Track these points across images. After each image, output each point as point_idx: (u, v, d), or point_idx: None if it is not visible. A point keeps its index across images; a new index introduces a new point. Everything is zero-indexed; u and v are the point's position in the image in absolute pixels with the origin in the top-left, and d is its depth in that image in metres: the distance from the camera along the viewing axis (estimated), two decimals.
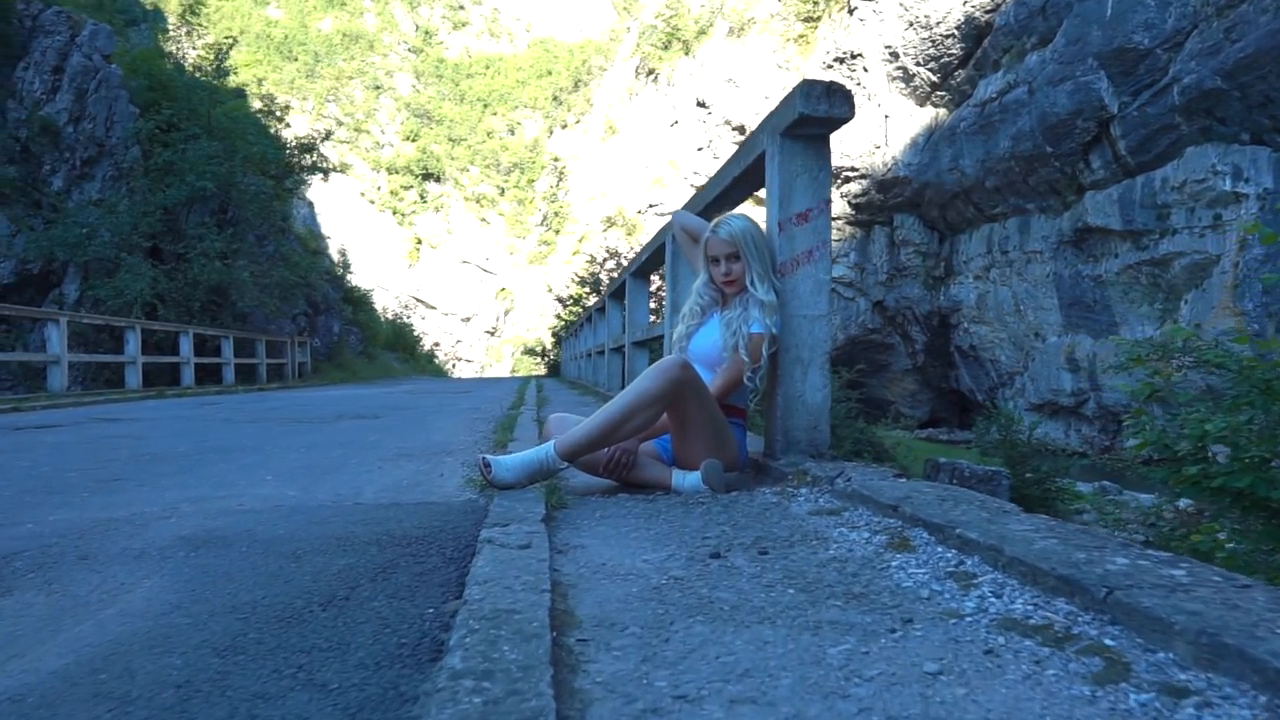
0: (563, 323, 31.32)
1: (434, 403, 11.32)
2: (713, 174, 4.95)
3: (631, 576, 2.00)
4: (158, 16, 36.84)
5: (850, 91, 3.36)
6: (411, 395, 14.07)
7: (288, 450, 5.45)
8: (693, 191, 36.45)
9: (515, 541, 2.16)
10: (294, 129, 30.86)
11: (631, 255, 30.99)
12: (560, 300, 32.99)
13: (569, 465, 3.26)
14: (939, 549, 2.08)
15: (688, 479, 3.25)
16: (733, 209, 3.92)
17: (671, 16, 50.01)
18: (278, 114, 28.65)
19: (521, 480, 3.14)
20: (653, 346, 8.40)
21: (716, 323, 3.60)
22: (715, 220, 3.63)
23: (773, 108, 3.73)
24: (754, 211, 3.92)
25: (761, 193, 4.13)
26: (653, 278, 10.79)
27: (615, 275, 28.39)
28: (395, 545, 2.47)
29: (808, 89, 3.34)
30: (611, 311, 11.23)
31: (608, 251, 30.97)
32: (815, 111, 3.33)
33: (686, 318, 3.72)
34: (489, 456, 3.19)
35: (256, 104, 29.27)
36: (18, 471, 4.54)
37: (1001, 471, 2.79)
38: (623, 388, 9.80)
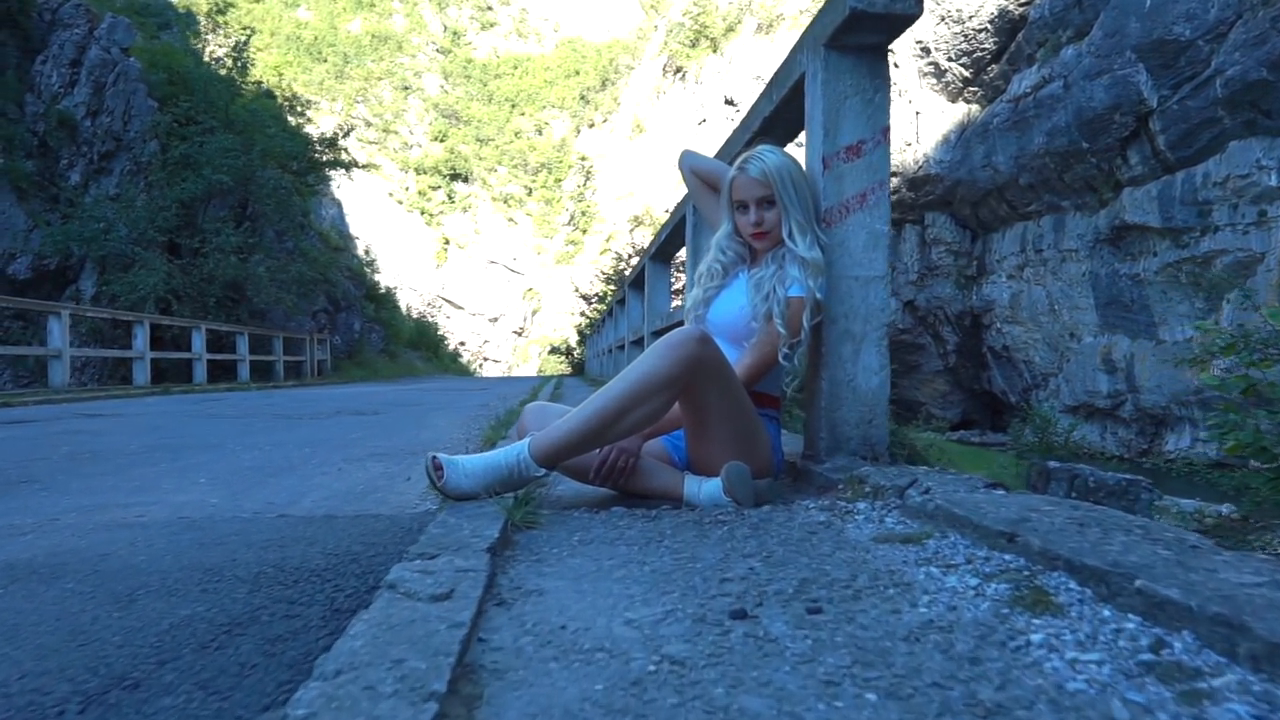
0: (588, 320, 30.62)
1: (443, 399, 10.62)
2: (740, 122, 4.14)
3: (600, 655, 1.21)
4: (189, 19, 36.66)
5: None
6: (423, 392, 13.38)
7: (249, 448, 4.73)
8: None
9: (430, 588, 1.40)
10: (320, 127, 30.44)
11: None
12: (586, 298, 32.21)
13: (549, 473, 2.44)
14: (1104, 611, 1.27)
15: (704, 488, 2.45)
16: None
17: (699, 14, 49.28)
18: (299, 109, 28.17)
19: (482, 490, 2.35)
20: None
21: (743, 285, 2.78)
22: (743, 155, 2.81)
23: (814, 17, 2.90)
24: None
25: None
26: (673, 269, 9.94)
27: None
28: (277, 584, 1.73)
29: None
30: (631, 302, 10.43)
31: (634, 249, 30.24)
32: (872, 7, 2.51)
33: (704, 279, 2.90)
34: (443, 456, 2.39)
35: (280, 100, 28.84)
36: None
37: (1140, 481, 1.97)
38: None
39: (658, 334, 7.77)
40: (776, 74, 3.37)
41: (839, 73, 2.75)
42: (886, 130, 2.77)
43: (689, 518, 2.22)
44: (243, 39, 25.93)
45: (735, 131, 4.18)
